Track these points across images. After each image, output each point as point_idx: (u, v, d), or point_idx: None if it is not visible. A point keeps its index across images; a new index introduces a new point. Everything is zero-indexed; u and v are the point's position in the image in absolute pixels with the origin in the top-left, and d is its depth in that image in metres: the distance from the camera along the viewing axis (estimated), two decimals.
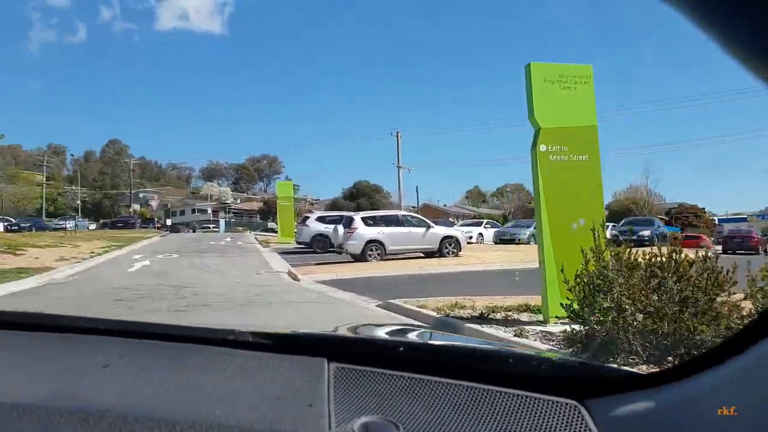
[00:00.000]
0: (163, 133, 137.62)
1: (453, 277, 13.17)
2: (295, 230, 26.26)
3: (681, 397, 0.85)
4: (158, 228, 54.85)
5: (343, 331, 1.36)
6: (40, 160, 73.09)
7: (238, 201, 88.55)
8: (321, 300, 9.84)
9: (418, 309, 7.83)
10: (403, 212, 20.74)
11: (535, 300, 8.08)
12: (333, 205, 67.83)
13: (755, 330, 0.82)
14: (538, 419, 0.87)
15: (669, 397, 0.86)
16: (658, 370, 1.01)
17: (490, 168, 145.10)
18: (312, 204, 72.05)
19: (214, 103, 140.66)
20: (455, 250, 17.71)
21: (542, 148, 6.81)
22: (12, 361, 1.02)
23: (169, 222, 62.28)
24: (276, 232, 38.12)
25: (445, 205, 74.48)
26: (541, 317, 7.07)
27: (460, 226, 31.08)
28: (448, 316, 7.22)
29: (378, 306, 8.98)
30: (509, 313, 7.32)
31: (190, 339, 1.10)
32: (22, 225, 40.21)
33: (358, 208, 52.43)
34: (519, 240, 27.72)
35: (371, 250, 17.02)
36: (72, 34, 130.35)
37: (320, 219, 23.54)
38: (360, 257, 16.91)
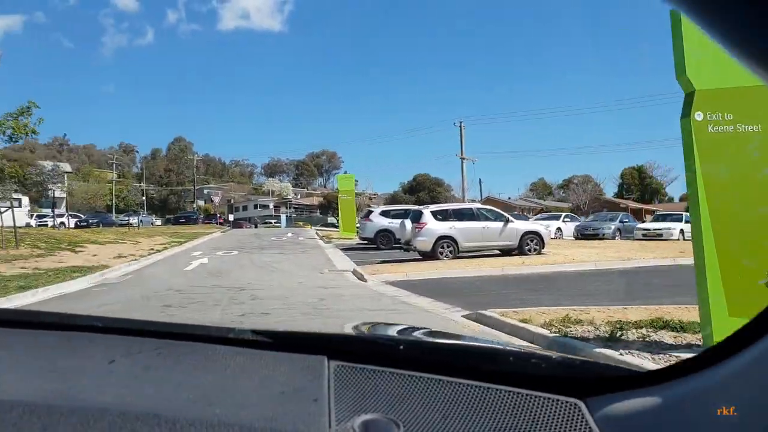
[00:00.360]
0: (225, 131, 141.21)
1: (544, 280, 11.42)
2: (358, 225, 25.12)
3: (681, 395, 0.83)
4: (221, 223, 55.35)
5: (344, 330, 1.33)
6: (111, 158, 75.67)
7: (299, 196, 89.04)
8: (395, 307, 8.42)
9: (522, 324, 6.24)
10: (477, 205, 18.94)
11: (668, 312, 6.45)
12: (392, 199, 66.97)
13: (756, 328, 0.79)
14: (539, 417, 0.85)
15: (669, 396, 0.84)
16: (659, 368, 0.87)
17: (555, 159, 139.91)
18: (371, 198, 71.37)
19: (275, 101, 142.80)
20: (537, 248, 15.81)
21: (698, 116, 5.09)
22: (13, 359, 1.00)
23: (231, 217, 63.07)
24: (336, 226, 37.30)
25: (509, 198, 71.71)
26: (690, 337, 5.42)
27: (536, 219, 28.76)
28: (565, 335, 5.63)
29: (465, 317, 7.45)
30: (643, 331, 5.66)
31: (191, 337, 1.07)
32: (90, 221, 41.25)
33: (418, 202, 51.05)
34: (603, 235, 25.22)
35: (442, 248, 15.44)
36: (141, 37, 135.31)
37: (384, 213, 22.26)
38: (430, 255, 15.41)
